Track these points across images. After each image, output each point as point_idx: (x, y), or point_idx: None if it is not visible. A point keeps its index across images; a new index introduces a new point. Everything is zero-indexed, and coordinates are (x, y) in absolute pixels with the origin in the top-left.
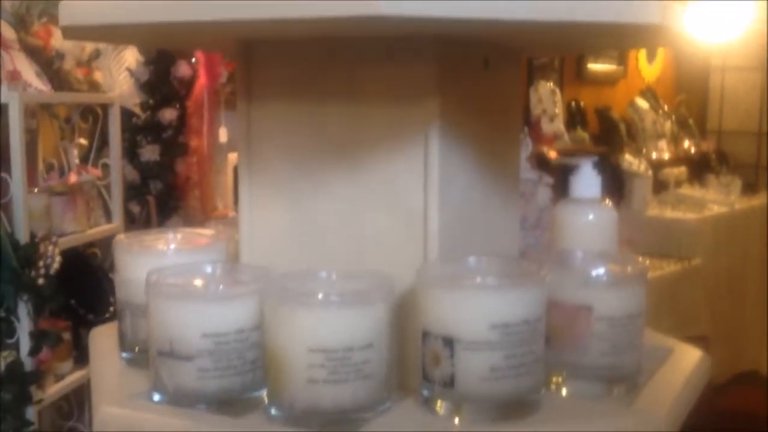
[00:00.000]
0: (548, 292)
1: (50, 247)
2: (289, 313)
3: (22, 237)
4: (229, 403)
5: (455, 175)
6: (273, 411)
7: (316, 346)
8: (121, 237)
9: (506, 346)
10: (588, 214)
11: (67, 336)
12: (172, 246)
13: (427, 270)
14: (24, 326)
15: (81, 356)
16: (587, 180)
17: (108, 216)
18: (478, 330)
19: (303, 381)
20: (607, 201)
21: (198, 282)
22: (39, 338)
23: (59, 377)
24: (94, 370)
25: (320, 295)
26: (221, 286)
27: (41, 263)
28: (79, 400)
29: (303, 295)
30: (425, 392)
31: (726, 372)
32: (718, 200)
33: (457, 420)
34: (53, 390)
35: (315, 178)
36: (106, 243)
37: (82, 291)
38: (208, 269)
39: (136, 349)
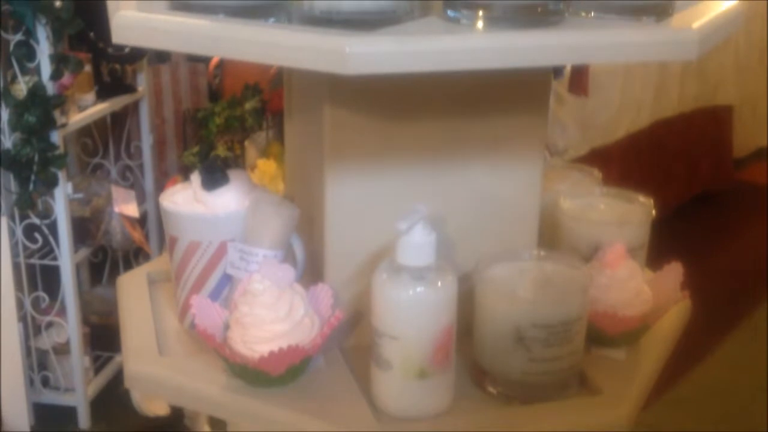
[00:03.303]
0: None
1: None
2: None
3: None
4: (248, 13)
5: None
6: (293, 15)
7: None
8: None
9: None
10: None
11: (88, 68)
12: None
13: None
14: (44, 50)
15: (102, 91)
16: None
17: None
18: None
19: None
20: None
21: None
22: (60, 62)
23: (82, 108)
24: None
25: None
26: None
27: None
28: (103, 139)
29: None
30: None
31: (748, 145)
32: None
33: (480, 24)
34: (76, 118)
35: None
36: None
37: (101, 25)
38: None
39: None
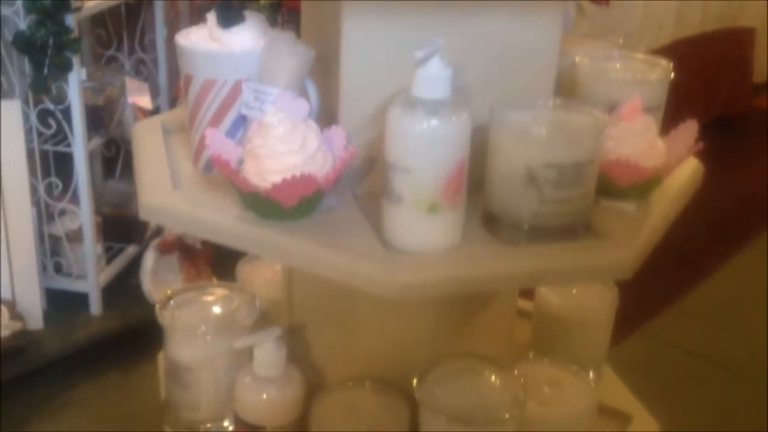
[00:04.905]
0: None
1: None
2: None
3: None
4: None
5: None
6: None
7: None
8: None
9: None
10: None
11: None
12: None
13: None
14: None
15: None
16: None
17: None
18: None
19: None
20: None
21: None
22: None
23: None
24: None
25: None
26: None
27: None
28: (117, 32)
29: None
30: None
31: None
32: None
33: None
34: (91, 3)
35: None
36: None
37: None
38: None
39: None
